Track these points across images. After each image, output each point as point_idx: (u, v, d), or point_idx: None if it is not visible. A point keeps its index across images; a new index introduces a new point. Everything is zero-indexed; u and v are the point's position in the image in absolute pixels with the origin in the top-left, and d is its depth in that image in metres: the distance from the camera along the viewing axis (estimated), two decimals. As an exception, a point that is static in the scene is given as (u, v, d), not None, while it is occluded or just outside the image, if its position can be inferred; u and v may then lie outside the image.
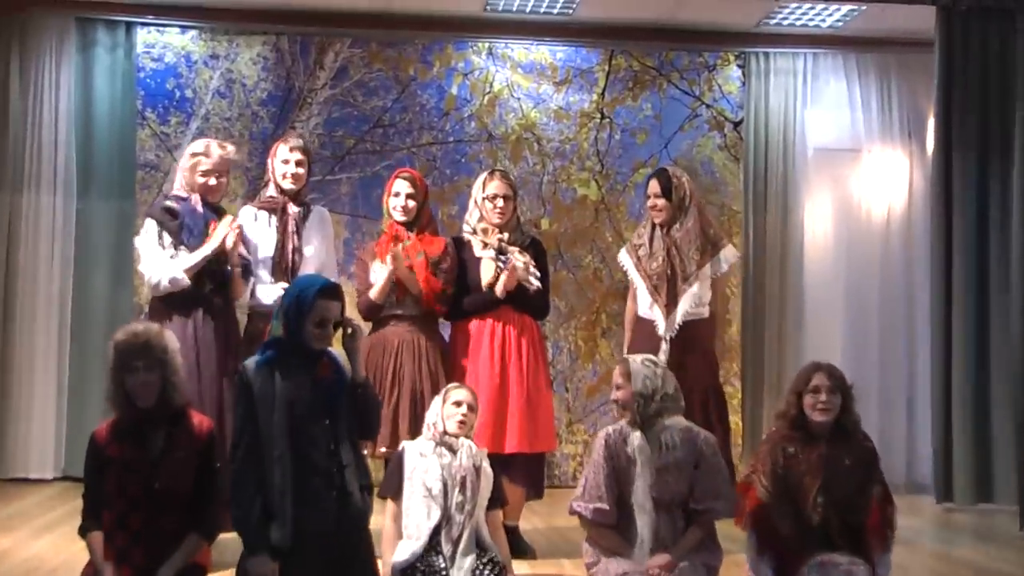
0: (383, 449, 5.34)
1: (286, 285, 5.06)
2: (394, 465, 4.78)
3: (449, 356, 5.68)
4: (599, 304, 8.25)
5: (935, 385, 7.32)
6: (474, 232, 5.72)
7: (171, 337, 4.14)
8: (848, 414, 4.48)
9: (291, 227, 5.50)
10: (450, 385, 4.93)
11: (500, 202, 5.65)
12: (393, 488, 4.74)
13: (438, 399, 4.85)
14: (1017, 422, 6.80)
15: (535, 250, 5.79)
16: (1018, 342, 6.87)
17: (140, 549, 3.98)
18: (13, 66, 7.74)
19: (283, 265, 5.46)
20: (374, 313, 5.58)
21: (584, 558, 4.59)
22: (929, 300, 7.49)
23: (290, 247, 5.46)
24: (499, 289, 5.54)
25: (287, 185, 5.52)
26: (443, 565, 4.54)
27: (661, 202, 5.76)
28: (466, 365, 5.60)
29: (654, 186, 5.80)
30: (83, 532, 4.07)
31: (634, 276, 5.84)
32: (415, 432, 5.15)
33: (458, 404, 4.75)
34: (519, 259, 5.59)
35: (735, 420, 7.35)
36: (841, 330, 8.27)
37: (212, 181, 5.33)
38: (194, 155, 5.36)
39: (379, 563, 4.30)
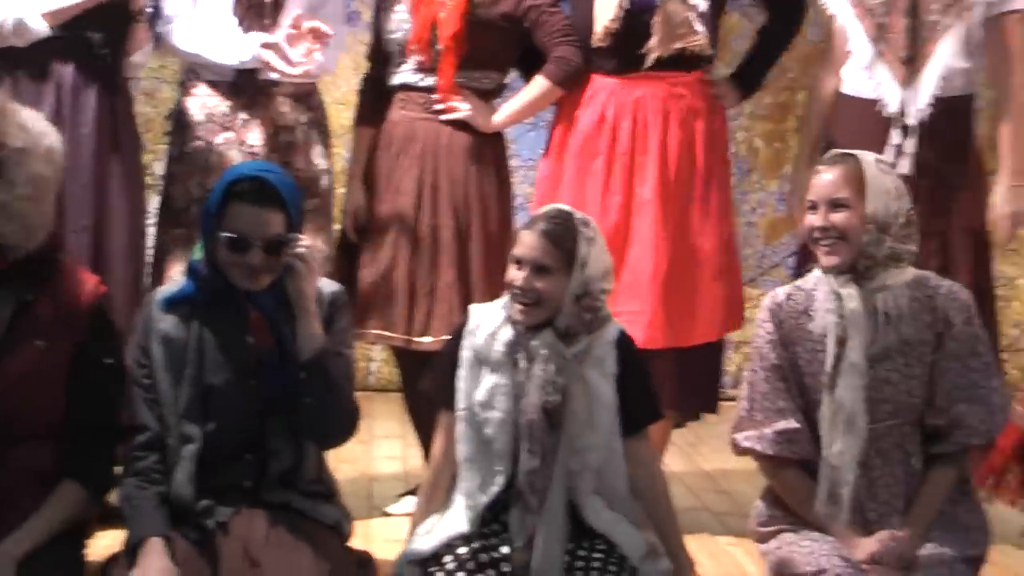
0: (422, 339, 3.52)
1: (263, 38, 3.37)
2: (448, 346, 2.78)
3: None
4: (796, 71, 5.20)
5: None
6: None
7: (30, 118, 2.54)
8: None
9: None
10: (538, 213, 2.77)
11: None
12: (445, 392, 2.72)
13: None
14: None
15: None
16: None
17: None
18: None
19: None
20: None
21: (751, 523, 2.82)
22: None
23: None
24: (653, 44, 3.40)
25: None
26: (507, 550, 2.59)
27: None
28: (570, 188, 3.52)
29: None
30: None
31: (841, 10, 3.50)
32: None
33: (518, 263, 2.66)
34: None
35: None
36: None
37: None
38: None
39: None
